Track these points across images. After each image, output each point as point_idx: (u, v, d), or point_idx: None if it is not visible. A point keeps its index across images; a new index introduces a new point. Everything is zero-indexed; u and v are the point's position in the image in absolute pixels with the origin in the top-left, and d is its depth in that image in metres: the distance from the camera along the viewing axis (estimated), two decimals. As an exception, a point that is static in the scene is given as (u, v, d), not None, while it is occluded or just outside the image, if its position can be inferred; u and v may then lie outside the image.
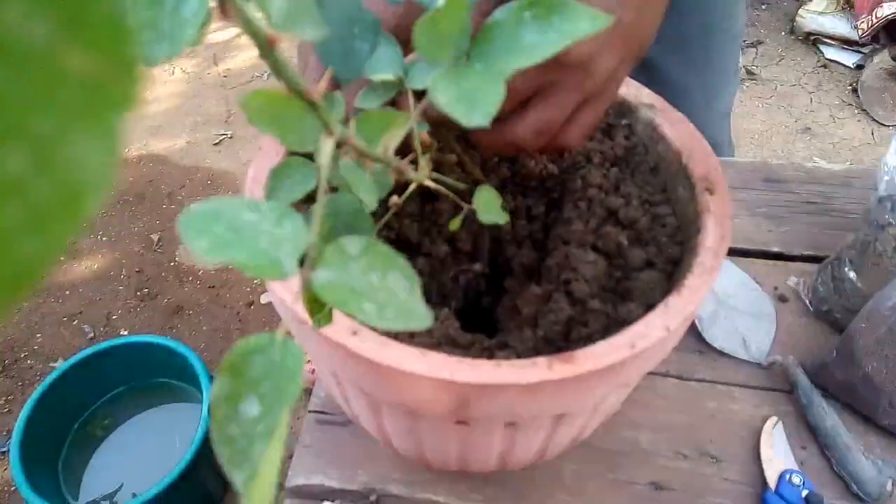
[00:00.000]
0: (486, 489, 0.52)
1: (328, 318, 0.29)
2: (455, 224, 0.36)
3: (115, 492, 1.08)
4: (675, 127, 0.44)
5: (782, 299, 0.65)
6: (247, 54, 2.22)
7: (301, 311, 0.32)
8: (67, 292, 1.60)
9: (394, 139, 0.26)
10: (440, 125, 0.37)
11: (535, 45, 0.25)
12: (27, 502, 0.94)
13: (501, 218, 0.35)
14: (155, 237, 1.72)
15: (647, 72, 0.82)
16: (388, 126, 0.27)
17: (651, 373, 0.60)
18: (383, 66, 0.33)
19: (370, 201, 0.27)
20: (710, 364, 0.60)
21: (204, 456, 0.99)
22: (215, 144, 1.98)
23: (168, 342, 1.12)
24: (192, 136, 2.01)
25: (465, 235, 0.47)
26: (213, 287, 1.60)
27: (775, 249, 0.69)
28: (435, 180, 0.34)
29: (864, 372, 0.53)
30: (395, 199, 0.34)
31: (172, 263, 1.66)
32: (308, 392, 1.41)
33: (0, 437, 1.32)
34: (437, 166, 0.41)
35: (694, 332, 0.62)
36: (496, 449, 0.40)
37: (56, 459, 1.09)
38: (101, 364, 1.12)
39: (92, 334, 1.52)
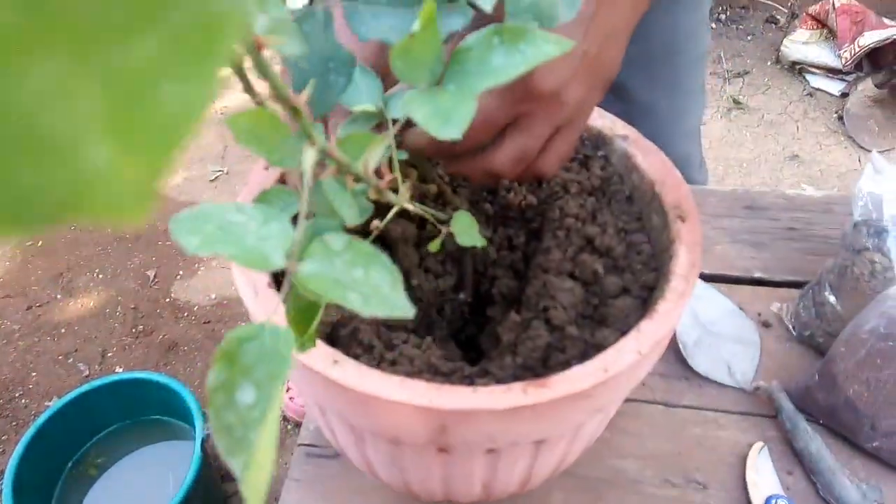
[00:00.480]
0: (473, 519, 0.52)
1: (311, 341, 0.30)
2: (435, 245, 0.37)
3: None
4: (648, 158, 0.46)
5: (766, 325, 0.66)
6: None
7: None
8: (63, 330, 1.60)
9: (373, 157, 0.28)
10: (419, 155, 0.39)
11: (504, 66, 0.26)
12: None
13: (478, 241, 0.36)
14: (151, 273, 1.73)
15: (615, 92, 0.84)
16: (367, 146, 0.28)
17: (637, 399, 0.60)
18: (363, 97, 0.35)
19: (350, 218, 0.28)
20: (696, 391, 0.61)
21: (195, 495, 0.99)
22: (211, 181, 2.00)
23: (161, 378, 1.12)
24: (188, 172, 2.03)
25: (451, 266, 0.48)
26: (209, 322, 1.61)
27: (758, 275, 0.70)
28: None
29: (846, 396, 0.53)
30: (376, 223, 0.35)
31: (168, 300, 1.67)
32: (298, 426, 1.40)
33: (-7, 478, 1.30)
34: (420, 198, 0.42)
35: (679, 359, 0.63)
36: (479, 477, 0.41)
37: (49, 500, 1.08)
38: (95, 401, 1.11)
39: (87, 372, 1.52)
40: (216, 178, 2.01)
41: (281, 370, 0.20)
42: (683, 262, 0.38)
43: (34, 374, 1.52)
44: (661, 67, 0.81)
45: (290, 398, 1.36)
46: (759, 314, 0.67)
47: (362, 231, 0.37)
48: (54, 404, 1.09)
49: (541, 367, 0.39)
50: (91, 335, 1.59)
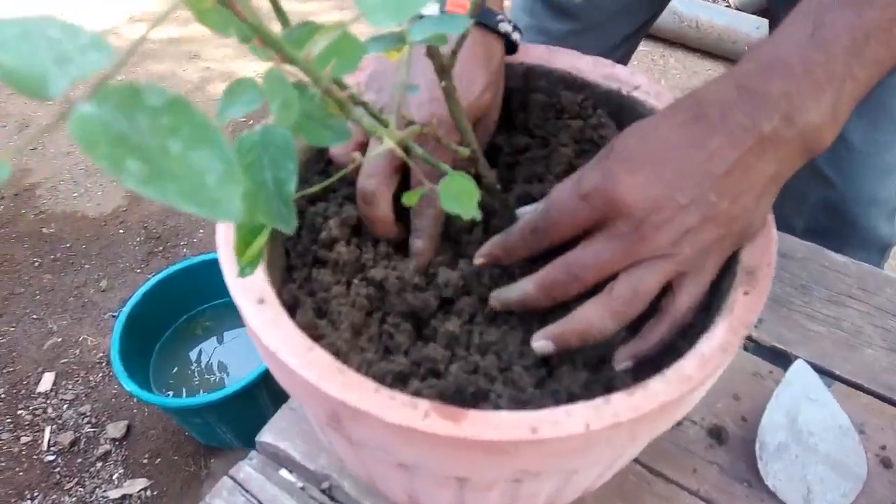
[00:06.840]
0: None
1: (251, 266, 0.27)
2: (410, 199, 0.31)
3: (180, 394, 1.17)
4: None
5: (886, 464, 0.51)
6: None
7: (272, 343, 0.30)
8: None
9: (316, 46, 0.23)
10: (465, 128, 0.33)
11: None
12: (113, 364, 1.03)
13: (471, 212, 0.29)
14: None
15: None
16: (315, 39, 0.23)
17: (676, 482, 0.50)
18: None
19: (283, 119, 0.23)
20: (755, 503, 0.49)
21: (264, 382, 1.02)
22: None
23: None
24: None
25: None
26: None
27: (905, 401, 0.55)
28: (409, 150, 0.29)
29: None
30: (356, 155, 0.30)
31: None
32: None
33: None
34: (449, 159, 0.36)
35: (749, 459, 0.51)
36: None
37: (154, 343, 1.18)
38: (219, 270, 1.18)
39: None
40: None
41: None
42: (714, 341, 0.28)
43: (202, 231, 1.68)
44: None
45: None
46: (884, 447, 0.52)
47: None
48: (187, 259, 1.18)
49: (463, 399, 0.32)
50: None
